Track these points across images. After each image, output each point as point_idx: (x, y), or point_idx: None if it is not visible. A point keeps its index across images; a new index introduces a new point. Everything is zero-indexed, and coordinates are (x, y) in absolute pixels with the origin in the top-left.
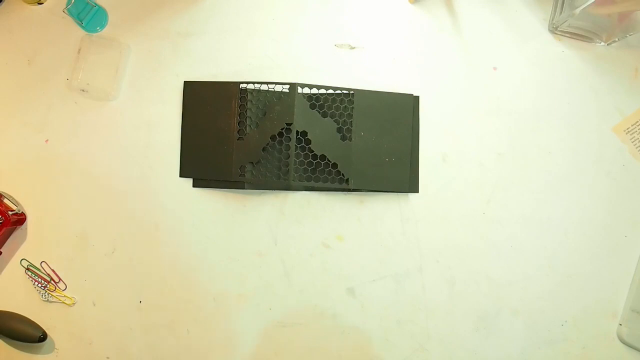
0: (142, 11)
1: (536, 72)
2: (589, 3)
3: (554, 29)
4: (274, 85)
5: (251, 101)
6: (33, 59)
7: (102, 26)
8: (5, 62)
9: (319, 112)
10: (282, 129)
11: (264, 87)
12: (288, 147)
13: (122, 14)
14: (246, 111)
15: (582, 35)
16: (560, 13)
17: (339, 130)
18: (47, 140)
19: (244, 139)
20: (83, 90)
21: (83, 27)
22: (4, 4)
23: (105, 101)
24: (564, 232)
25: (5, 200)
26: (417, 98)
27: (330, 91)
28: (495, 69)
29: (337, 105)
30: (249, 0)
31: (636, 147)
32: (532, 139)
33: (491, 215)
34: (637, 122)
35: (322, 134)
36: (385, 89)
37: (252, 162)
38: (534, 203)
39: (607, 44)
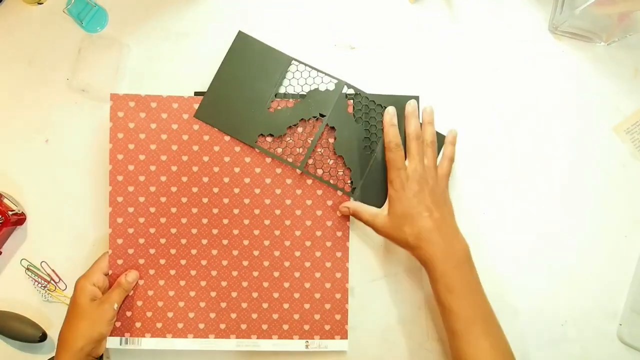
0: (143, 11)
1: (536, 72)
2: (589, 3)
3: (554, 29)
4: (323, 74)
5: (296, 81)
6: (33, 59)
7: (102, 26)
8: (6, 62)
9: (354, 117)
10: (314, 117)
11: (313, 72)
12: (312, 136)
13: (122, 14)
14: (287, 87)
15: (582, 36)
16: (560, 13)
17: (365, 140)
18: (47, 140)
19: (275, 111)
20: (83, 90)
21: (83, 27)
22: (3, 4)
23: (105, 101)
24: (564, 232)
25: (5, 200)
26: (417, 98)
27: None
28: (495, 69)
29: (375, 114)
30: (248, 0)
31: (636, 147)
32: (531, 139)
33: (491, 215)
34: (637, 122)
35: (349, 137)
36: (385, 89)
37: (272, 134)
38: (533, 203)
39: (607, 44)
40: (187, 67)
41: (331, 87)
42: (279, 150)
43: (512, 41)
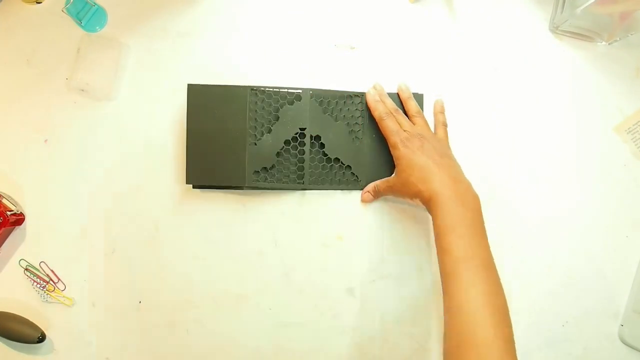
0: (142, 11)
1: (537, 72)
2: (590, 2)
3: (555, 29)
4: (285, 90)
5: (263, 107)
6: (32, 59)
7: (102, 25)
8: (4, 62)
9: (331, 116)
10: (295, 134)
11: (275, 92)
12: (302, 152)
13: (122, 13)
14: (257, 116)
15: (583, 35)
16: (561, 12)
17: (351, 132)
18: (46, 140)
19: (257, 144)
20: (82, 90)
21: (82, 27)
22: (2, 3)
23: (104, 101)
24: (565, 232)
25: (4, 200)
26: (421, 96)
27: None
28: (495, 69)
29: (348, 109)
30: (248, 0)
31: (637, 147)
32: (532, 139)
33: (491, 215)
34: (639, 121)
35: (335, 138)
36: (385, 89)
37: (265, 167)
38: (534, 203)
39: (609, 44)
40: (186, 67)
41: (298, 98)
42: (277, 179)
43: (512, 41)
